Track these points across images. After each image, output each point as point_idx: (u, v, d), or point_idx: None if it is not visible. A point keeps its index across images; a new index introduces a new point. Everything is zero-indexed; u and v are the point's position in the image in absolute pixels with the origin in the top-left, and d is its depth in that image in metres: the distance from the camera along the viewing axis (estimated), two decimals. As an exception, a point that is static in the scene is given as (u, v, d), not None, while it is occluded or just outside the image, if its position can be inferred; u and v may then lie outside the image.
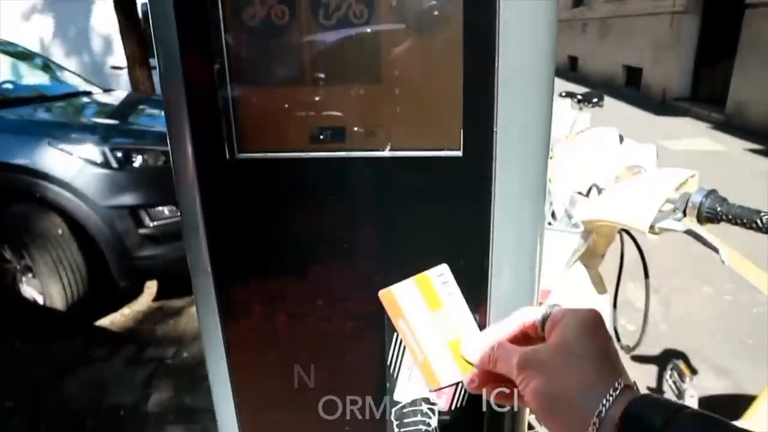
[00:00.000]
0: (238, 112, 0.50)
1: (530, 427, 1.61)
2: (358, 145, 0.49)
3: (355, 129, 0.49)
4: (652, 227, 1.04)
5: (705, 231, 1.03)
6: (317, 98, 0.49)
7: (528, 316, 0.50)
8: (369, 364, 0.58)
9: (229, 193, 0.52)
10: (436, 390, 0.57)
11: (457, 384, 0.56)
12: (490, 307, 0.53)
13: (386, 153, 0.49)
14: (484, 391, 0.52)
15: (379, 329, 0.56)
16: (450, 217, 0.50)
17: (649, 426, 0.37)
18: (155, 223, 2.87)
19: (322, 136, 0.50)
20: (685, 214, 1.04)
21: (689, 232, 1.04)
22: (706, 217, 1.02)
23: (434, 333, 0.54)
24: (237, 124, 0.50)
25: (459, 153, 0.48)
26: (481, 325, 0.54)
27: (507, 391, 0.51)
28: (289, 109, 0.50)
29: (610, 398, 0.40)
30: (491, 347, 0.50)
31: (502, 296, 0.52)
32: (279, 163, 0.50)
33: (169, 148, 0.52)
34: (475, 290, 0.52)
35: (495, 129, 0.47)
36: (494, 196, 0.49)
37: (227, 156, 0.50)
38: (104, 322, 3.09)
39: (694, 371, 1.92)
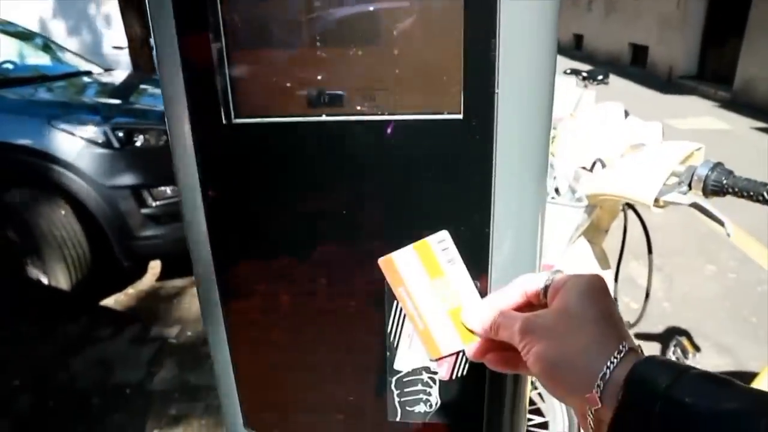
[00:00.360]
0: (234, 76, 0.48)
1: (531, 403, 1.62)
2: (357, 109, 0.48)
3: (354, 92, 0.48)
4: (656, 200, 1.03)
5: (711, 204, 1.02)
6: (315, 61, 0.48)
7: (530, 283, 0.49)
8: (370, 335, 0.57)
9: (227, 159, 0.51)
10: (437, 359, 0.56)
11: (458, 353, 0.55)
12: (492, 273, 0.52)
13: (385, 117, 0.48)
14: (486, 361, 0.52)
15: (380, 298, 0.55)
16: (450, 182, 0.49)
17: (654, 387, 0.37)
18: (158, 203, 2.87)
19: (320, 101, 0.49)
20: (690, 187, 1.03)
21: (694, 205, 1.02)
22: (712, 190, 1.00)
23: (434, 301, 0.53)
24: (233, 88, 0.49)
25: (459, 116, 0.47)
26: (482, 293, 0.53)
27: (509, 359, 0.50)
28: (286, 72, 0.48)
29: (615, 360, 0.39)
30: (493, 314, 0.49)
31: (503, 261, 0.51)
32: (276, 127, 0.49)
33: (165, 113, 0.51)
34: (476, 257, 0.51)
35: (496, 91, 0.45)
36: (495, 159, 0.48)
37: (224, 121, 0.49)
38: (109, 301, 3.11)
39: (697, 348, 1.92)
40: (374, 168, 0.50)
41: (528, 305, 0.50)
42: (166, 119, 0.52)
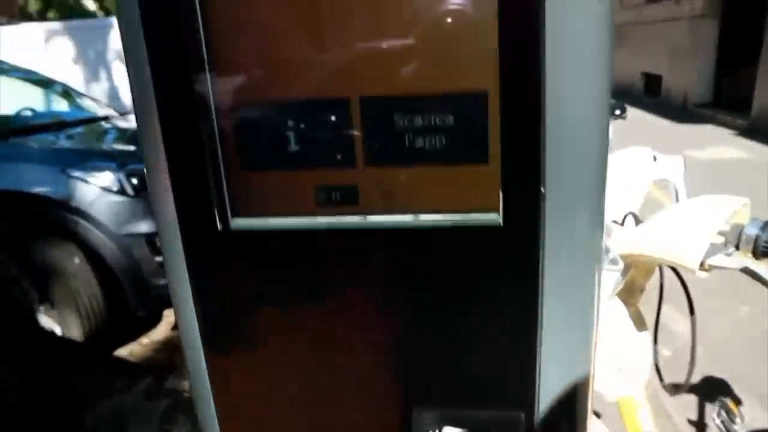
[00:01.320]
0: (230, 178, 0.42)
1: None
2: (373, 208, 0.41)
3: (370, 188, 0.41)
4: (701, 264, 0.94)
5: (764, 268, 0.93)
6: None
7: None
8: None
9: (222, 271, 0.44)
10: None
11: None
12: (539, 404, 0.43)
13: (407, 218, 0.41)
14: None
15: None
16: (486, 295, 0.41)
17: None
18: (171, 250, 2.82)
19: (329, 198, 0.42)
20: (737, 248, 0.94)
21: (745, 270, 0.93)
22: (763, 251, 0.91)
23: None
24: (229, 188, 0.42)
25: (498, 217, 0.39)
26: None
27: None
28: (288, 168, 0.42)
29: None
30: None
31: (552, 391, 0.43)
32: (279, 233, 0.42)
33: (153, 209, 0.45)
34: (522, 386, 0.43)
35: (542, 191, 0.38)
36: (542, 270, 0.40)
37: (219, 227, 0.42)
38: (123, 352, 3.04)
39: (738, 402, 1.79)
40: (392, 281, 0.42)
41: None
42: (155, 215, 0.45)
